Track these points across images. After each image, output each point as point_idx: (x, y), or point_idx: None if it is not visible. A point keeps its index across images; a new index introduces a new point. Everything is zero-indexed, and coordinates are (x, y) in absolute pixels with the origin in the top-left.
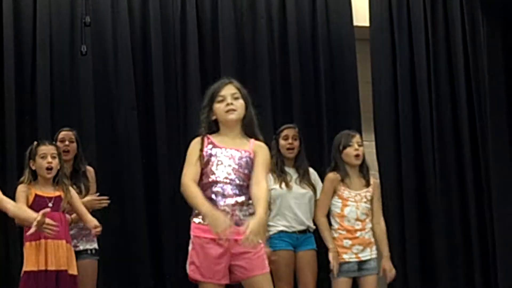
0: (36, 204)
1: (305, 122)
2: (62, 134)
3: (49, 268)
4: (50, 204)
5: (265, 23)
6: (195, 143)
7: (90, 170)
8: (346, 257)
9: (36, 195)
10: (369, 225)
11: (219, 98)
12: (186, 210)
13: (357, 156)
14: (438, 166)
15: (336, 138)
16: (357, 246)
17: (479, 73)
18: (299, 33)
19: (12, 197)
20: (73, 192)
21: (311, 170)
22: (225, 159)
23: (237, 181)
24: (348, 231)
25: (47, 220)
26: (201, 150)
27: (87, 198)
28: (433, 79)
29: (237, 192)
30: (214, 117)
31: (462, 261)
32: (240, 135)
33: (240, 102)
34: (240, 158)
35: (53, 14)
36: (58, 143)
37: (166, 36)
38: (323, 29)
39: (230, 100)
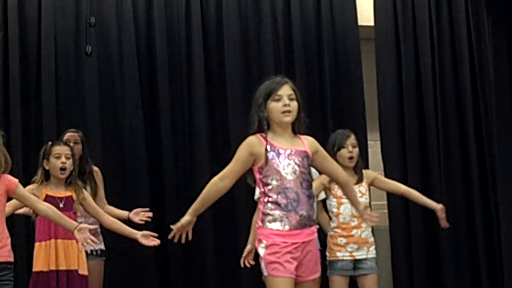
0: None
1: (310, 121)
2: (67, 135)
3: (60, 268)
4: (61, 205)
5: (270, 23)
6: (248, 145)
7: (97, 171)
8: (339, 255)
9: (47, 196)
10: (365, 223)
11: (276, 97)
12: None
13: (350, 158)
14: (443, 165)
15: (331, 137)
16: (351, 245)
17: (484, 72)
18: (304, 32)
19: None
20: (86, 194)
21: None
22: (291, 162)
23: (305, 183)
24: (343, 229)
25: (89, 235)
26: (258, 153)
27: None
28: (438, 78)
29: (307, 193)
30: (265, 115)
31: (468, 261)
32: (291, 134)
33: (295, 104)
34: (302, 158)
35: (58, 14)
36: None
37: (171, 36)
38: (328, 29)
39: (287, 101)
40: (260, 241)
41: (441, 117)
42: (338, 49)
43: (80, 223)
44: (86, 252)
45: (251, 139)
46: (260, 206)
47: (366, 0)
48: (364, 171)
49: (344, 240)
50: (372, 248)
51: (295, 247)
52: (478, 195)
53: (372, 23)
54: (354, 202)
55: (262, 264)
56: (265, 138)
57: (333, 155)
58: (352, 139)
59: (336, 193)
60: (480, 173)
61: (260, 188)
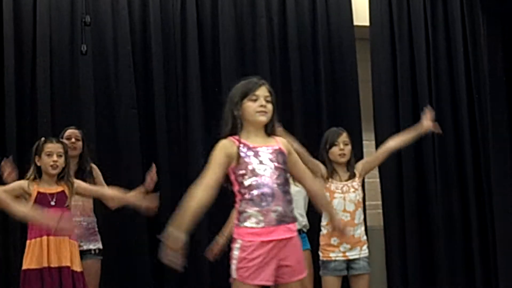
0: (38, 201)
1: (305, 121)
2: (69, 132)
3: (52, 265)
4: (52, 202)
5: (265, 22)
6: (221, 147)
7: (95, 168)
8: (332, 255)
9: (38, 193)
10: (358, 220)
11: (253, 97)
12: None
13: (341, 155)
14: (439, 166)
15: (324, 135)
16: (344, 245)
17: (479, 72)
18: (299, 32)
19: None
20: (78, 182)
21: None
22: (264, 158)
23: (281, 179)
24: None
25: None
26: (231, 154)
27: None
28: (433, 78)
29: (283, 189)
30: (239, 113)
31: (462, 261)
32: (265, 134)
33: (270, 106)
34: (276, 154)
35: (53, 13)
36: (64, 141)
37: (166, 35)
38: (323, 29)
39: (264, 102)
40: (235, 240)
41: (436, 117)
42: (333, 49)
43: (79, 222)
44: (83, 251)
45: (223, 142)
46: (236, 205)
47: (362, 0)
48: (355, 166)
49: (337, 240)
50: (365, 247)
51: (272, 246)
52: (473, 194)
53: (367, 23)
54: (331, 215)
55: (233, 266)
56: (238, 139)
57: (325, 152)
58: (344, 137)
59: (329, 187)
60: (475, 173)
61: (235, 187)
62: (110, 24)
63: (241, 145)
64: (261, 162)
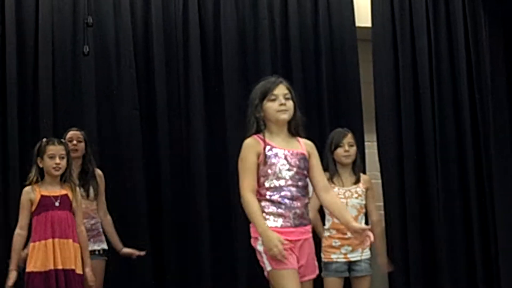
0: (42, 204)
1: (307, 122)
2: (70, 133)
3: (58, 267)
4: (56, 204)
5: (267, 24)
6: (249, 147)
7: (100, 175)
8: (334, 257)
9: (42, 196)
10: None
11: (272, 97)
12: (187, 209)
13: (346, 156)
14: (440, 166)
15: (329, 136)
16: (346, 247)
17: (481, 73)
18: (301, 33)
19: (15, 198)
20: (79, 198)
21: None
22: (287, 162)
23: (301, 183)
24: (338, 230)
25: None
26: (259, 152)
27: (128, 250)
28: (435, 80)
29: (302, 193)
30: (262, 115)
31: (464, 262)
32: (288, 134)
33: (290, 103)
34: (299, 159)
35: (55, 14)
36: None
37: (168, 36)
38: (325, 30)
39: (283, 100)
40: (256, 238)
41: (438, 118)
42: (335, 50)
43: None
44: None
45: (249, 141)
46: None
47: (364, 1)
48: (362, 176)
49: (338, 243)
50: (367, 249)
51: (290, 247)
52: (475, 195)
53: (369, 24)
54: (341, 216)
55: (264, 259)
56: (263, 139)
57: (331, 153)
58: (349, 138)
59: None
60: (476, 174)
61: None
62: (112, 25)
63: (267, 146)
64: (283, 165)
